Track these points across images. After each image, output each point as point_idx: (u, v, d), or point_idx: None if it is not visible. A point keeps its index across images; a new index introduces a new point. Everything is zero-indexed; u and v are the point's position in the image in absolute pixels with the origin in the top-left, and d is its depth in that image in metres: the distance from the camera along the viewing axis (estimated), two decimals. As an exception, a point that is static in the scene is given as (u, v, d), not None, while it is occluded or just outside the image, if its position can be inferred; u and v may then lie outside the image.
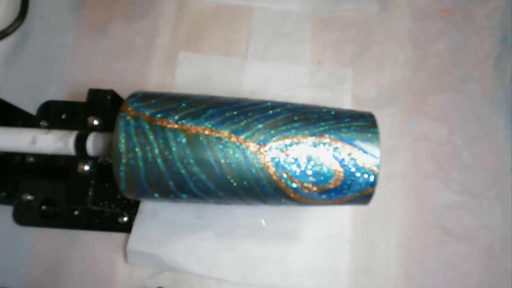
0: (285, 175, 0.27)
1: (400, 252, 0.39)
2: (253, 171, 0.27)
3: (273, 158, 0.27)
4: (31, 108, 0.42)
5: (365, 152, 0.28)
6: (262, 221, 0.39)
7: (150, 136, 0.27)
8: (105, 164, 0.33)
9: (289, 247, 0.39)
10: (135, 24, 0.47)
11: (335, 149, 0.28)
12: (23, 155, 0.40)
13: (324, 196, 0.28)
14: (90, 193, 0.32)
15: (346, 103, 0.43)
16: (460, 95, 0.44)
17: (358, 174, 0.28)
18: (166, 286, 0.38)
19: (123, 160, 0.28)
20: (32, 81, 0.45)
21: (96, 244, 0.40)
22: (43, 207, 0.40)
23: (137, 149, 0.27)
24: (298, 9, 0.47)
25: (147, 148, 0.27)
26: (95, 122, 0.33)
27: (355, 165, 0.28)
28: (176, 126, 0.28)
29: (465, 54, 0.45)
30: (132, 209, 0.39)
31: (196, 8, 0.47)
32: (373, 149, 0.28)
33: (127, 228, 0.39)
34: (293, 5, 0.47)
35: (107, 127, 0.33)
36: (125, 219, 0.39)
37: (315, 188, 0.28)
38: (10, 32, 0.43)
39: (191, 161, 0.27)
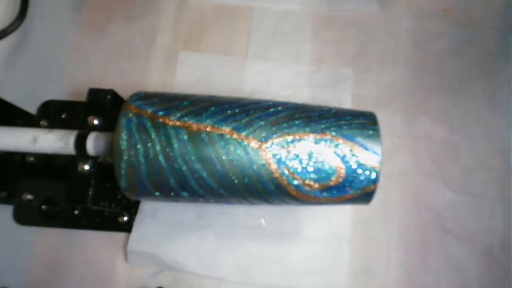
0: (286, 172, 0.27)
1: (400, 252, 0.39)
2: (255, 168, 0.27)
3: (274, 155, 0.27)
4: (31, 107, 0.42)
5: (366, 148, 0.28)
6: (262, 220, 0.39)
7: (152, 133, 0.27)
8: (105, 164, 0.33)
9: (289, 246, 0.39)
10: (135, 24, 0.47)
11: (337, 145, 0.28)
12: (23, 155, 0.40)
13: (325, 194, 0.28)
14: (90, 193, 0.32)
15: (346, 103, 0.43)
16: (460, 95, 0.44)
17: (359, 171, 0.28)
18: (166, 286, 0.38)
19: (124, 157, 0.28)
20: (32, 81, 0.45)
21: (96, 243, 0.40)
22: (43, 207, 0.40)
23: (138, 146, 0.27)
24: (298, 9, 0.47)
25: (149, 145, 0.27)
26: (95, 122, 0.33)
27: (357, 162, 0.28)
28: (178, 123, 0.28)
29: (465, 54, 0.45)
30: (132, 208, 0.39)
31: (196, 8, 0.47)
32: (375, 146, 0.28)
33: (127, 228, 0.39)
34: (293, 5, 0.47)
35: (107, 126, 0.33)
36: (125, 218, 0.39)
37: (316, 185, 0.28)
38: (10, 31, 0.43)
39: (193, 157, 0.27)
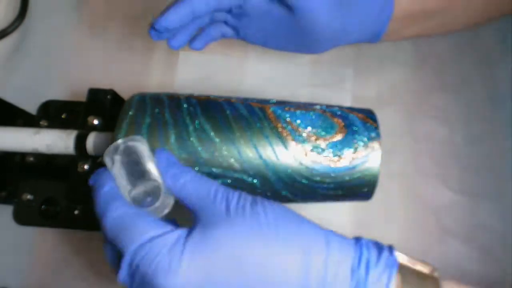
0: (289, 126, 0.29)
1: (400, 252, 0.39)
2: (258, 123, 0.29)
3: (276, 110, 0.29)
4: (31, 107, 0.42)
5: (362, 113, 0.30)
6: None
7: (163, 98, 0.29)
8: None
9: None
10: (135, 24, 0.47)
11: (335, 109, 0.30)
12: (23, 155, 0.39)
13: (331, 154, 0.29)
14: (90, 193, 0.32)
15: (346, 103, 0.43)
16: (460, 94, 0.44)
17: (360, 127, 0.29)
18: (166, 286, 0.38)
19: (130, 113, 0.28)
20: (32, 81, 0.45)
21: (96, 243, 0.40)
22: (43, 207, 0.40)
23: (147, 106, 0.29)
24: (298, 9, 0.47)
25: (158, 106, 0.29)
26: (95, 122, 0.33)
27: (355, 119, 0.30)
28: (187, 96, 0.30)
29: (465, 54, 0.45)
30: (132, 208, 0.39)
31: (196, 8, 0.47)
32: (371, 113, 0.31)
33: (127, 228, 0.39)
34: (293, 4, 0.47)
35: (107, 126, 0.33)
36: (125, 218, 0.39)
37: (320, 140, 0.29)
38: (10, 31, 0.43)
39: (198, 112, 0.29)
